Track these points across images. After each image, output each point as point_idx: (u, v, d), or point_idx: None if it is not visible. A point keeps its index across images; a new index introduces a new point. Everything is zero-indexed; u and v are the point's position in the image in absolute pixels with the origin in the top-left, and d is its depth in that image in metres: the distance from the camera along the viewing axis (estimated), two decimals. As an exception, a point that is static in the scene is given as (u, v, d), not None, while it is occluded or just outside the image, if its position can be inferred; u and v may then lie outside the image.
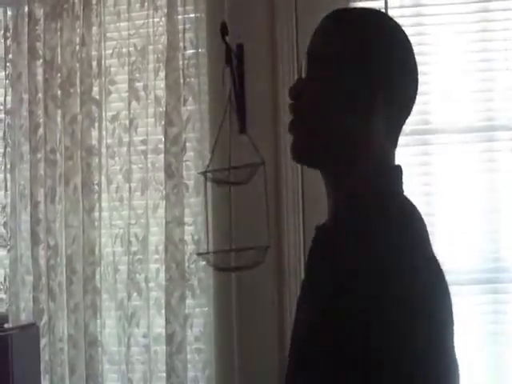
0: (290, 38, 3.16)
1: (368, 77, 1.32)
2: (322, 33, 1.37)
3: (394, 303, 1.14)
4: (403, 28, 1.41)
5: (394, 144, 1.40)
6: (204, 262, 3.11)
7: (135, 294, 3.24)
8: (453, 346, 1.21)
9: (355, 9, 1.44)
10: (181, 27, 3.25)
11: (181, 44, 3.24)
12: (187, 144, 3.24)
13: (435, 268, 1.26)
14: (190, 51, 3.26)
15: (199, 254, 3.11)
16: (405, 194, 1.37)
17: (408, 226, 1.27)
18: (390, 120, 1.35)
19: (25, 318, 3.33)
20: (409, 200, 1.34)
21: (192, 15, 3.27)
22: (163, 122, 3.23)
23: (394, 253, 1.19)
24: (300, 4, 3.16)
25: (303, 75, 1.37)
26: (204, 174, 3.07)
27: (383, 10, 3.11)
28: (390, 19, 1.42)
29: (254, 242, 3.02)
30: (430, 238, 1.32)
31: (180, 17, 3.25)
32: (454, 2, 3.15)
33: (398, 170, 1.38)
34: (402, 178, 1.38)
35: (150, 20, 3.29)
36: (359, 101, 1.32)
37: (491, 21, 3.14)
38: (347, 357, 1.14)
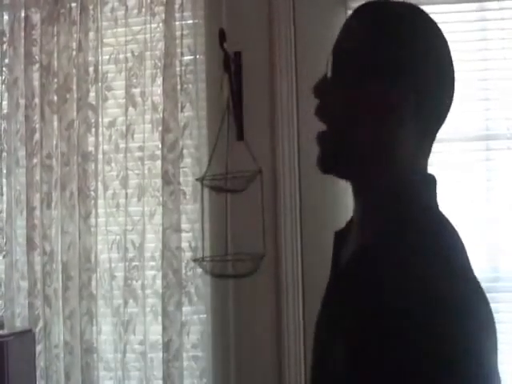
0: (288, 46, 3.15)
1: (397, 86, 1.22)
2: (350, 30, 1.29)
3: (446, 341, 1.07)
4: (438, 27, 1.29)
5: (427, 154, 1.31)
6: (201, 269, 3.11)
7: (131, 301, 3.23)
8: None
9: (391, 3, 1.28)
10: (178, 33, 3.23)
11: (178, 50, 3.23)
12: (184, 151, 3.23)
13: (480, 290, 1.18)
14: (187, 57, 3.25)
15: (195, 260, 3.11)
16: (438, 206, 1.30)
17: (450, 247, 1.21)
18: (421, 131, 1.26)
19: (20, 324, 3.32)
20: (442, 213, 1.28)
21: (190, 21, 3.26)
22: (160, 129, 3.22)
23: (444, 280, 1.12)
24: (298, 11, 3.16)
25: (328, 74, 1.28)
26: (201, 180, 3.07)
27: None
28: (429, 19, 1.28)
29: (250, 250, 3.02)
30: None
31: (178, 23, 3.24)
32: (452, 10, 3.15)
33: (430, 180, 1.30)
34: (435, 189, 1.31)
35: (148, 26, 3.28)
36: (387, 112, 1.23)
37: (489, 30, 3.15)
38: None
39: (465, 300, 1.11)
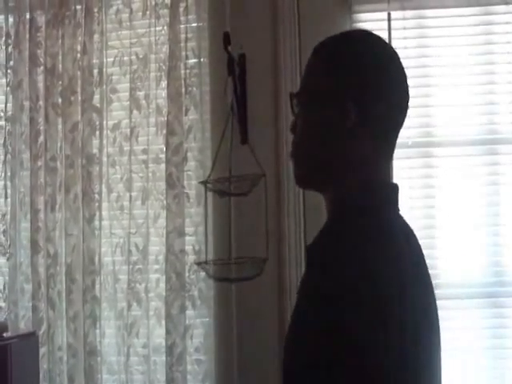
0: (293, 49, 3.15)
1: (342, 102, 1.36)
2: (306, 67, 1.45)
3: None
4: (382, 44, 1.43)
5: (386, 159, 1.42)
6: (204, 273, 3.10)
7: (135, 304, 3.23)
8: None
9: (330, 39, 1.45)
10: (183, 36, 3.24)
11: (183, 53, 3.23)
12: (188, 154, 3.23)
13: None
14: (191, 61, 3.25)
15: (198, 264, 3.10)
16: (393, 209, 1.40)
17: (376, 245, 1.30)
18: (376, 137, 1.38)
19: (24, 326, 3.32)
20: (391, 218, 1.38)
21: (194, 24, 3.26)
22: (164, 132, 3.22)
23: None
24: (302, 14, 3.16)
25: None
26: (205, 183, 3.06)
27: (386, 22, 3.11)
28: (367, 38, 1.44)
29: (253, 253, 3.01)
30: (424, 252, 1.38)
31: (182, 26, 3.24)
32: (457, 14, 3.15)
33: (388, 185, 1.42)
34: (390, 194, 1.41)
35: (152, 29, 3.28)
36: (335, 126, 1.37)
37: (494, 34, 3.14)
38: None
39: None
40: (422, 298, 1.34)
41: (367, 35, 1.45)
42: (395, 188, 1.42)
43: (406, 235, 1.39)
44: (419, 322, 1.29)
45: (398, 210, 1.41)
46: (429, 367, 1.33)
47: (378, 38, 1.44)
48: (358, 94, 1.36)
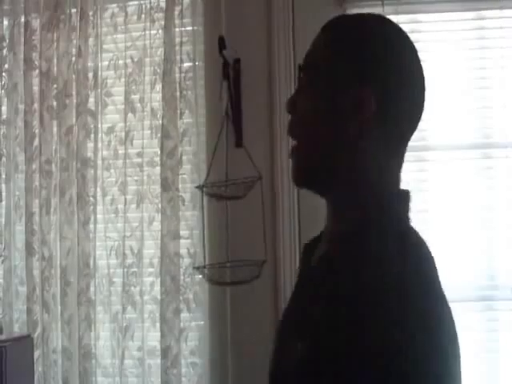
0: (287, 53, 3.16)
1: (354, 92, 1.22)
2: (312, 43, 1.31)
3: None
4: (403, 33, 1.30)
5: (397, 162, 1.30)
6: (200, 276, 3.11)
7: (130, 307, 3.23)
8: None
9: (349, 16, 1.32)
10: (178, 40, 3.24)
11: (178, 57, 3.24)
12: (183, 157, 3.23)
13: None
14: (186, 64, 3.25)
15: (195, 268, 3.11)
16: (410, 222, 1.28)
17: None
18: (388, 138, 1.25)
19: (18, 329, 3.32)
20: (414, 232, 1.26)
21: (189, 28, 3.26)
22: (159, 135, 3.23)
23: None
24: (297, 19, 3.17)
25: (299, 87, 1.32)
26: (201, 188, 3.07)
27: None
28: (388, 24, 1.30)
29: (250, 257, 3.02)
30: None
31: (177, 29, 3.24)
32: (450, 19, 3.16)
33: (402, 195, 1.29)
34: (406, 204, 1.29)
35: (147, 32, 3.29)
36: (347, 119, 1.23)
37: (487, 38, 3.15)
38: None
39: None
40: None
41: (390, 22, 1.30)
42: (408, 196, 1.30)
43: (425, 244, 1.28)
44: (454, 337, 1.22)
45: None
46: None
47: (400, 28, 1.30)
48: (380, 84, 1.22)
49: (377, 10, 3.14)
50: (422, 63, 1.30)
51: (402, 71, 1.25)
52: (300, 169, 1.30)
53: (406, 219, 1.29)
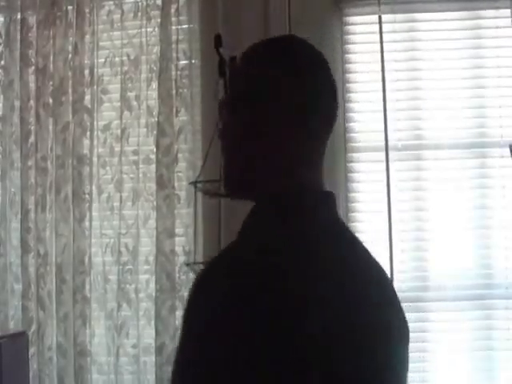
0: (284, 51, 3.15)
1: (258, 108, 1.32)
2: (231, 74, 1.44)
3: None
4: (311, 49, 1.37)
5: (314, 165, 1.34)
6: (195, 274, 3.11)
7: (125, 305, 3.23)
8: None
9: (257, 44, 1.42)
10: (174, 38, 3.24)
11: (174, 55, 3.24)
12: (179, 155, 3.23)
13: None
14: (182, 62, 3.25)
15: (188, 265, 3.11)
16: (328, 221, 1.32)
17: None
18: (305, 141, 1.31)
19: (13, 326, 3.32)
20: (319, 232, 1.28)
21: (185, 26, 3.27)
22: (155, 133, 3.23)
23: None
24: (294, 18, 3.16)
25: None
26: (194, 184, 3.07)
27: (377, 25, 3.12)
28: (296, 44, 1.39)
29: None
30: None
31: (173, 27, 3.25)
32: (447, 18, 3.16)
33: (326, 196, 1.34)
34: (326, 205, 1.33)
35: (144, 30, 3.29)
36: (266, 127, 1.31)
37: (483, 38, 3.16)
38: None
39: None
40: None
41: (296, 38, 1.40)
42: (331, 195, 1.34)
43: (352, 239, 1.33)
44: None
45: (337, 214, 1.34)
46: None
47: (303, 42, 1.38)
48: (293, 94, 1.29)
49: (373, 10, 3.15)
50: (331, 74, 1.36)
51: (304, 89, 1.31)
52: (225, 181, 1.38)
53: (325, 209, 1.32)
